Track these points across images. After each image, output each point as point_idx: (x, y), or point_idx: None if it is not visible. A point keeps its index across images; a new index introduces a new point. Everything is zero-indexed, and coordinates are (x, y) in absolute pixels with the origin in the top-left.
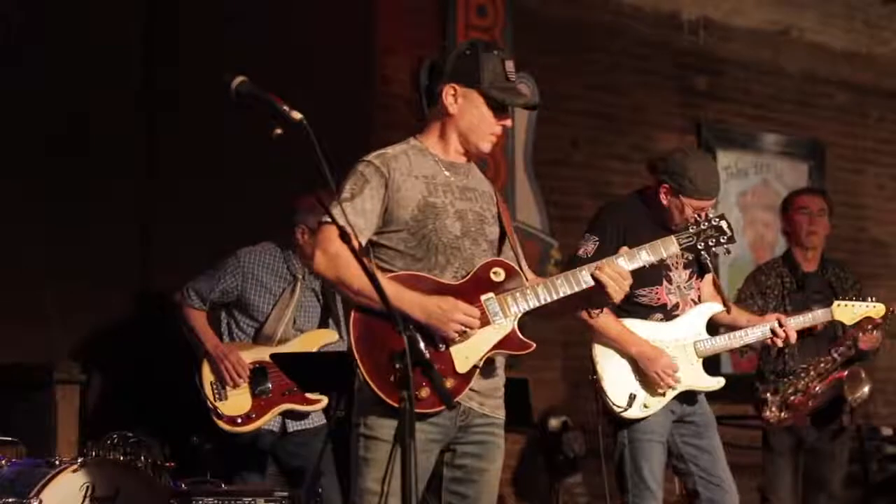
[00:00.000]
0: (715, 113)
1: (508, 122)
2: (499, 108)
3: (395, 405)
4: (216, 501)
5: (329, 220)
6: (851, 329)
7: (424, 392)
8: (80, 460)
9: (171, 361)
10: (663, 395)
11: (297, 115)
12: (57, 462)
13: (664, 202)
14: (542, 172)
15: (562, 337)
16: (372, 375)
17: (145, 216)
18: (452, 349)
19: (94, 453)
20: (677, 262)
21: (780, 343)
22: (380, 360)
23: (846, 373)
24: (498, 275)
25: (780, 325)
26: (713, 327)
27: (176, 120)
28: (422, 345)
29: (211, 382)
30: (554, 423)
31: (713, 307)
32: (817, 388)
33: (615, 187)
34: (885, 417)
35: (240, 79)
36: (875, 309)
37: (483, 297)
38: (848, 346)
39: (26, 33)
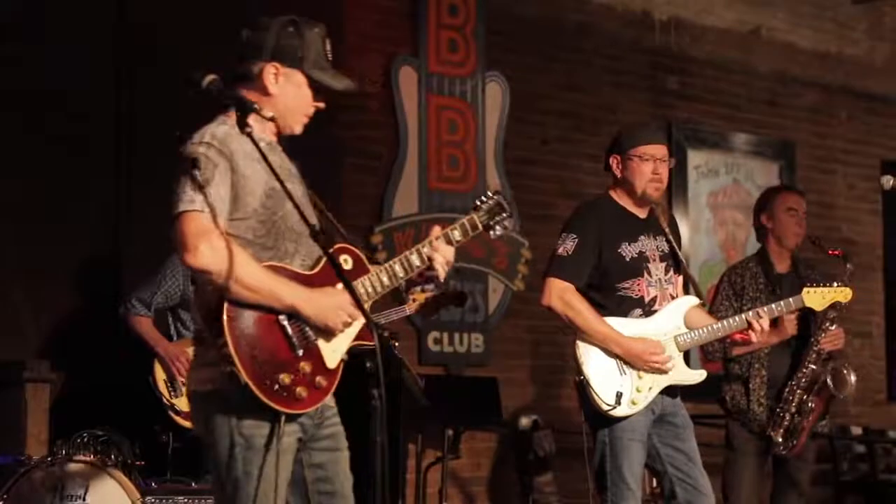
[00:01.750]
0: (685, 112)
1: (322, 105)
2: (317, 90)
3: (283, 410)
4: (186, 500)
5: (195, 208)
6: (818, 336)
7: (303, 391)
8: (49, 459)
9: (141, 360)
10: (649, 390)
11: (267, 114)
12: (27, 460)
13: (619, 174)
14: (512, 171)
15: (531, 336)
16: (255, 379)
17: (118, 216)
18: (321, 344)
19: (64, 452)
20: (654, 255)
21: (755, 336)
22: (262, 363)
23: (829, 375)
24: (347, 262)
25: (759, 316)
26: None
27: (153, 120)
28: (295, 341)
29: (164, 380)
30: (524, 422)
31: (690, 300)
32: (811, 404)
33: (586, 186)
34: (854, 417)
35: (210, 77)
36: (843, 292)
37: (338, 287)
38: (817, 351)
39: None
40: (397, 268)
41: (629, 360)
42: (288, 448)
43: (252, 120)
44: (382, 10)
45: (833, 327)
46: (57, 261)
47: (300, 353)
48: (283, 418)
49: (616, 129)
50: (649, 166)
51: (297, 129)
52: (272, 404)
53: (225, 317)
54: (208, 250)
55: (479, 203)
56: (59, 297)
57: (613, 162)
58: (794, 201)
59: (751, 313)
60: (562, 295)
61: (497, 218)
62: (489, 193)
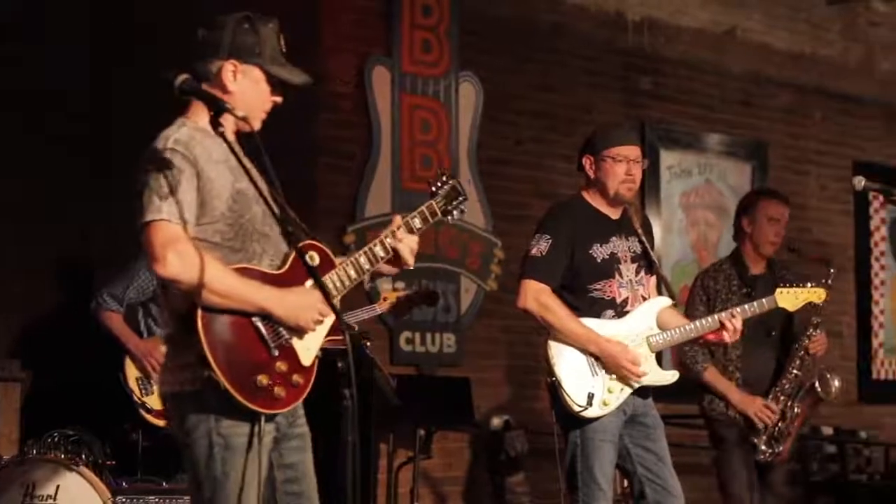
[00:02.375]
0: (659, 113)
1: (279, 99)
2: (274, 85)
3: (262, 411)
4: (157, 500)
5: (163, 217)
6: (802, 342)
7: (281, 391)
8: (20, 458)
9: (112, 359)
10: (621, 391)
11: (240, 113)
12: None
13: (592, 175)
14: (485, 171)
15: (504, 336)
16: (234, 383)
17: (87, 215)
18: (295, 343)
19: (34, 451)
20: (625, 256)
21: (728, 337)
22: (240, 366)
23: (817, 379)
24: (314, 258)
25: (732, 317)
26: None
27: (127, 119)
28: (270, 341)
29: (136, 378)
30: (496, 422)
31: (663, 301)
32: (796, 409)
33: (560, 187)
34: (825, 417)
35: (183, 76)
36: (816, 293)
37: (308, 284)
38: (802, 357)
39: None
40: (363, 260)
41: (605, 360)
42: (266, 447)
43: (208, 120)
44: (357, 10)
45: (818, 332)
46: (27, 260)
47: (275, 353)
48: (262, 418)
49: (590, 130)
50: (622, 167)
51: (256, 126)
52: (252, 406)
53: (199, 323)
54: (176, 259)
55: (435, 189)
56: (29, 296)
57: (587, 162)
58: (777, 211)
59: (724, 314)
60: (537, 296)
61: (454, 202)
62: (444, 178)
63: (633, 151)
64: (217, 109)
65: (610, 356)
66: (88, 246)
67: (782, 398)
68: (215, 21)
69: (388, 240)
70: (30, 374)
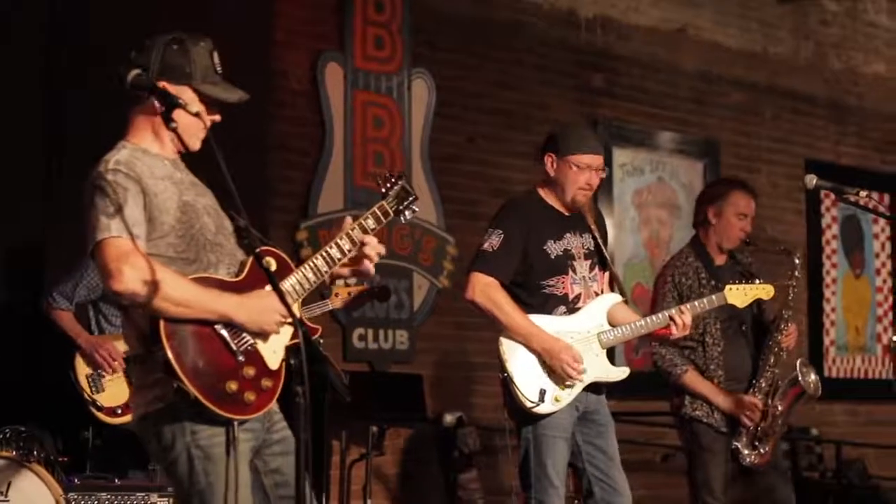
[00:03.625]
0: (611, 110)
1: (217, 118)
2: (211, 103)
3: (234, 417)
4: (109, 496)
5: (112, 234)
6: (775, 337)
7: (251, 396)
8: None
9: (63, 355)
10: (572, 387)
11: (192, 109)
12: None
13: (552, 174)
14: (438, 168)
15: (456, 333)
16: (203, 392)
17: (42, 209)
18: (260, 347)
19: None
20: (579, 252)
21: (676, 332)
22: (207, 375)
23: (799, 373)
24: (271, 264)
25: (682, 313)
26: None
27: (83, 112)
28: (235, 347)
29: (86, 375)
30: (448, 418)
31: (614, 297)
32: (779, 407)
33: (513, 184)
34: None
35: (135, 72)
36: (765, 289)
37: (266, 289)
38: (776, 352)
39: None
40: (319, 262)
41: (546, 357)
42: (243, 454)
43: (151, 141)
44: (310, 5)
45: (790, 325)
46: None
47: (241, 358)
48: (235, 424)
49: (544, 128)
50: (584, 176)
51: (195, 145)
52: (223, 413)
53: (163, 332)
54: (131, 272)
55: (385, 190)
56: None
57: (548, 160)
58: (746, 205)
59: (673, 310)
60: (485, 289)
61: (406, 202)
62: (392, 179)
63: (598, 161)
64: (168, 104)
65: (550, 353)
66: (40, 240)
67: (760, 397)
68: (143, 44)
69: (343, 242)
70: None
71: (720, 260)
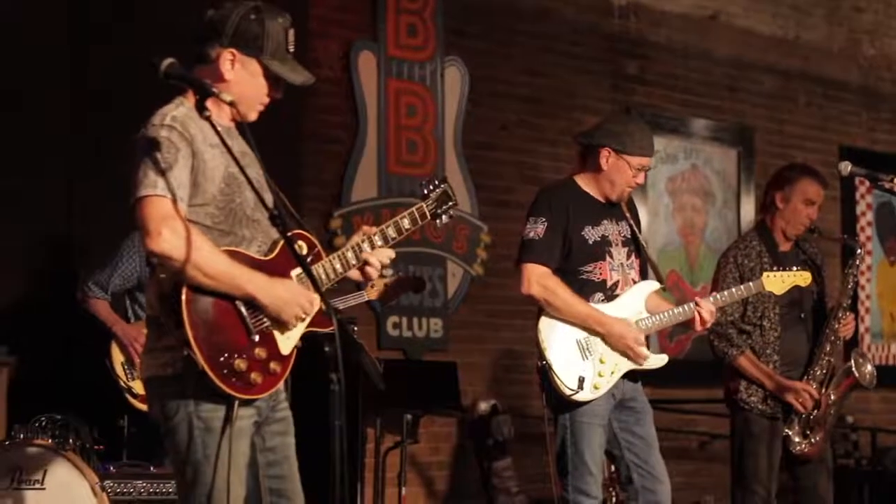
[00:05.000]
0: (644, 97)
1: (279, 96)
2: (276, 80)
3: (236, 395)
4: (145, 484)
5: (158, 193)
6: (833, 326)
7: (258, 377)
8: (7, 443)
9: (100, 343)
10: (611, 375)
11: (227, 98)
12: None
13: (604, 167)
14: (471, 156)
15: (490, 321)
16: (211, 364)
17: (73, 199)
18: (275, 331)
19: (21, 436)
20: (616, 239)
21: (698, 327)
22: (219, 347)
23: (853, 364)
24: (302, 248)
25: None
26: None
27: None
28: (252, 326)
29: (122, 363)
30: (483, 406)
31: (652, 285)
32: (832, 396)
33: (545, 171)
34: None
35: (168, 61)
36: (802, 276)
37: (294, 273)
38: (832, 341)
39: None
40: (350, 255)
41: (611, 340)
42: (243, 431)
43: (210, 104)
44: None
45: (848, 315)
46: (13, 244)
47: (255, 338)
48: (236, 403)
49: (576, 116)
50: (638, 177)
51: (252, 117)
52: (227, 389)
53: (183, 298)
54: (171, 236)
55: (427, 192)
56: (16, 280)
57: (604, 154)
58: (816, 193)
59: (710, 298)
60: (540, 280)
61: (444, 207)
62: (436, 182)
63: (650, 162)
64: (202, 94)
65: (617, 336)
66: (73, 229)
67: (814, 385)
68: (224, 5)
69: (366, 244)
70: (17, 358)
71: (785, 246)
